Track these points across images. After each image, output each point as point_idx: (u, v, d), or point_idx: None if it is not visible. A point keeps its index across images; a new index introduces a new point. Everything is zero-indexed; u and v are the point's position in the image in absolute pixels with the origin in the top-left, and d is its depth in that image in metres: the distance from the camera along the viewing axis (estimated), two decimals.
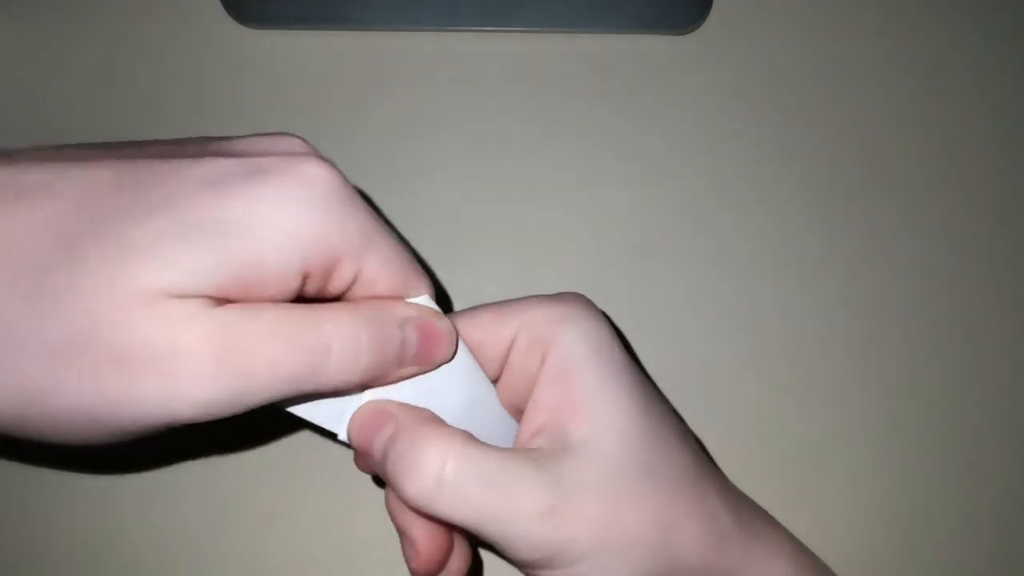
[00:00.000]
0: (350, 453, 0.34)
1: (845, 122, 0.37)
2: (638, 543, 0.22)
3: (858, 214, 0.36)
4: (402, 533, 0.25)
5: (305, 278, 0.20)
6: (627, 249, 0.36)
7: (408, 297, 0.23)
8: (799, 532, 0.34)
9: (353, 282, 0.21)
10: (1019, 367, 0.36)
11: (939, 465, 0.35)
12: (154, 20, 0.38)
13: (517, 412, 0.25)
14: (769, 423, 0.35)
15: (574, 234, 0.36)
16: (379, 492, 0.34)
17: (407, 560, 0.25)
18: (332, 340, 0.20)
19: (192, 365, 0.18)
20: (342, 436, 0.23)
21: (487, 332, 0.25)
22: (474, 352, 0.25)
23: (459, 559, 0.25)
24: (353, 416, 0.23)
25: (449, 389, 0.24)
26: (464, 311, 0.25)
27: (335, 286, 0.21)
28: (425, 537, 0.24)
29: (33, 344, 0.17)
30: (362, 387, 0.22)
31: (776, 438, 0.35)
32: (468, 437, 0.22)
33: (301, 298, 0.21)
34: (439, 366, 0.23)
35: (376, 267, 0.21)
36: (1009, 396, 0.35)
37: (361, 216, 0.21)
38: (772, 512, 0.34)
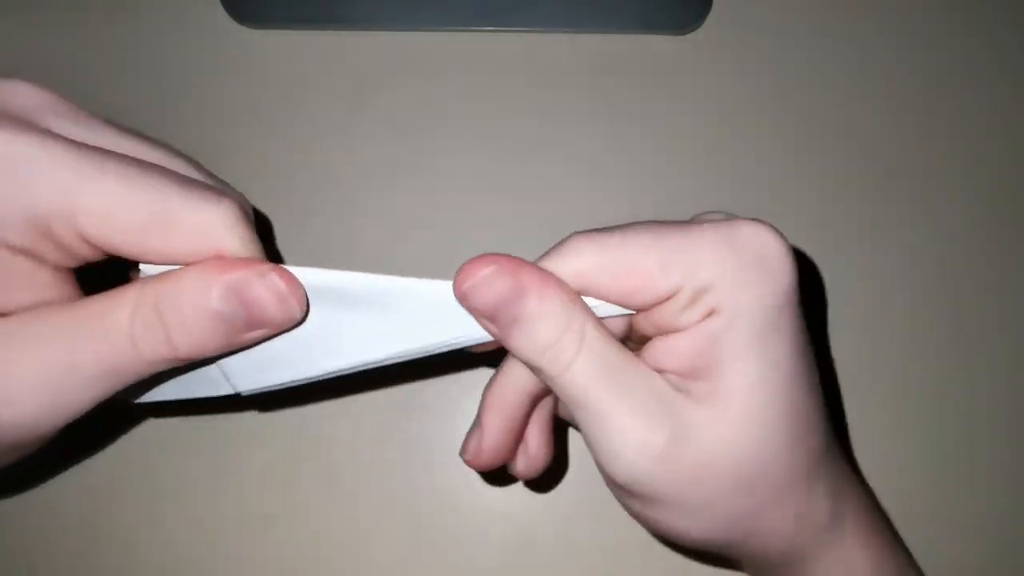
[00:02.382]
0: (350, 453, 0.34)
1: (845, 121, 0.37)
2: (724, 521, 0.22)
3: (859, 213, 0.36)
4: (479, 422, 0.23)
5: (29, 252, 0.18)
6: None
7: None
8: None
9: (95, 234, 0.18)
10: (1020, 366, 0.36)
11: (939, 464, 0.35)
12: (154, 20, 0.38)
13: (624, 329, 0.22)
14: None
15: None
16: (378, 495, 0.34)
17: (466, 447, 0.24)
18: (125, 325, 0.18)
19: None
20: (241, 389, 0.22)
21: (646, 279, 0.20)
22: (623, 296, 0.21)
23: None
24: (463, 272, 0.20)
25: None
26: (615, 235, 0.21)
27: (89, 240, 0.19)
28: (497, 434, 0.23)
29: None
30: (211, 355, 0.20)
31: None
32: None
33: (82, 269, 0.20)
34: (294, 323, 0.20)
35: (100, 212, 0.18)
36: (1010, 395, 0.35)
37: (57, 156, 0.18)
38: None
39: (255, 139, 0.37)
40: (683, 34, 0.37)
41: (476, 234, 0.36)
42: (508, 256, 0.20)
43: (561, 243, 0.21)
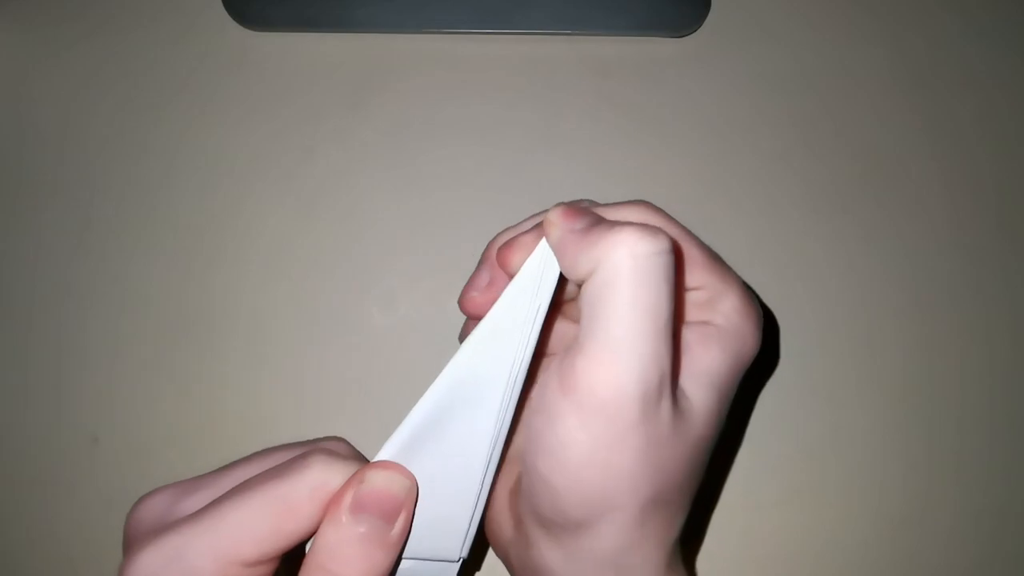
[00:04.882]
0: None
1: (842, 123, 0.37)
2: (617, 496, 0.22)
3: (856, 215, 0.37)
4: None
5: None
6: None
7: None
8: (796, 531, 0.34)
9: (255, 556, 0.22)
10: (1019, 366, 0.36)
11: (938, 465, 0.35)
12: (156, 22, 0.38)
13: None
14: (768, 423, 0.35)
15: None
16: None
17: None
18: None
19: None
20: (461, 555, 0.25)
21: (692, 265, 0.24)
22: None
23: None
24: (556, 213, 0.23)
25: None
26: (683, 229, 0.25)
27: (256, 562, 0.22)
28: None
29: None
30: (386, 566, 0.23)
31: (775, 438, 0.35)
32: None
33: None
34: (411, 488, 0.23)
35: (242, 543, 0.21)
36: (1009, 395, 0.36)
37: (191, 536, 0.21)
38: (772, 511, 0.34)
39: (256, 140, 0.37)
40: (682, 37, 0.38)
41: (476, 236, 0.36)
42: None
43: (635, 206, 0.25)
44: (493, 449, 0.24)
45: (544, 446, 0.22)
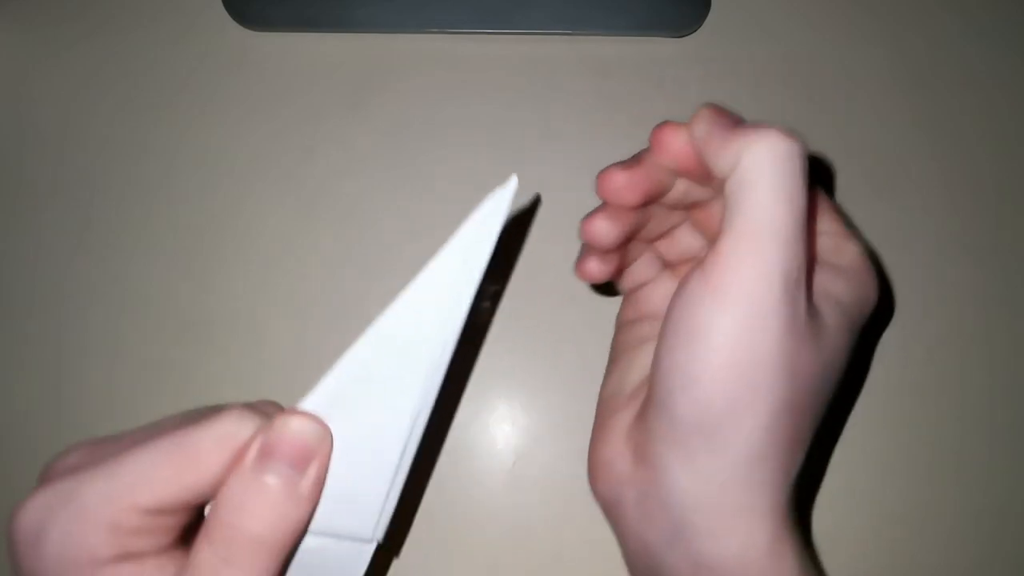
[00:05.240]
0: None
1: (842, 124, 0.37)
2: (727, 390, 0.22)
3: (856, 215, 0.37)
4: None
5: (126, 555, 0.20)
6: None
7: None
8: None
9: (152, 502, 0.20)
10: (1019, 366, 0.36)
11: (938, 465, 0.35)
12: (156, 22, 0.38)
13: None
14: None
15: (574, 236, 0.36)
16: None
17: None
18: (211, 560, 0.20)
19: None
20: (375, 537, 0.23)
21: (824, 217, 0.27)
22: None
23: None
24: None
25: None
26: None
27: (153, 510, 0.21)
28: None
29: None
30: (297, 523, 0.21)
31: None
32: None
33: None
34: (324, 433, 0.21)
35: (137, 485, 0.20)
36: (1009, 395, 0.35)
37: (89, 476, 0.21)
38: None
39: (256, 140, 0.37)
40: (682, 37, 0.38)
41: None
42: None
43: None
44: (415, 422, 0.22)
45: (685, 334, 0.22)
